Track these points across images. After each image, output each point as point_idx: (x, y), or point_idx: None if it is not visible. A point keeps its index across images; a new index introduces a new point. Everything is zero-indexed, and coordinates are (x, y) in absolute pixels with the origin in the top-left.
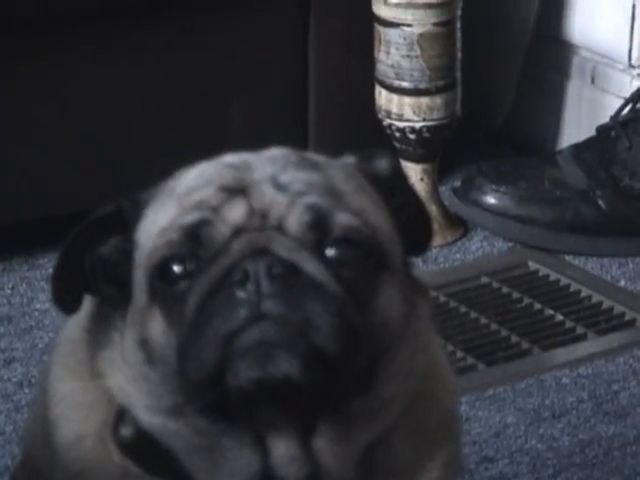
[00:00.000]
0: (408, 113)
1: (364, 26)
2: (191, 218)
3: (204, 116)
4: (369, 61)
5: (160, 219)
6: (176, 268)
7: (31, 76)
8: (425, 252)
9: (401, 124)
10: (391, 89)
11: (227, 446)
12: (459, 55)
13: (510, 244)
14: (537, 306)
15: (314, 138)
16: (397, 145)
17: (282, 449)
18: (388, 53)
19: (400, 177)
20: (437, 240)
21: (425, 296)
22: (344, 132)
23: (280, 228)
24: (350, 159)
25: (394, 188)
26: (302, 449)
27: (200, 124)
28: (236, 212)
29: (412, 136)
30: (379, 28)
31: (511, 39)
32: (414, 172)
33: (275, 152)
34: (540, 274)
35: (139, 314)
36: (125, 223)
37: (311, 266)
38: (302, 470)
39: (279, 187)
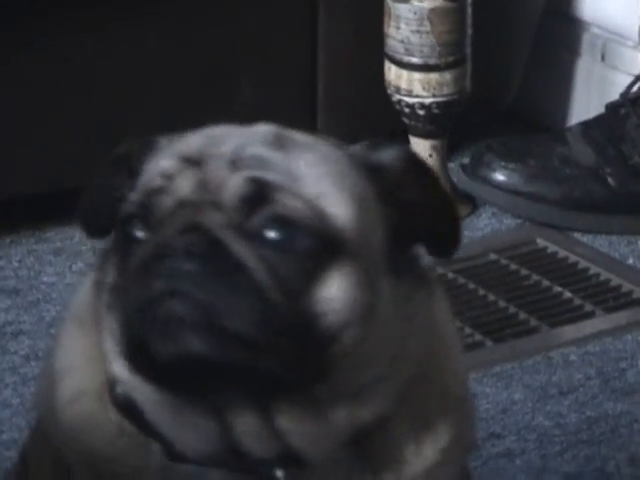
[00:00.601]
0: (417, 89)
1: (374, 1)
2: (152, 184)
3: (212, 94)
4: (379, 36)
5: (146, 173)
6: (132, 228)
7: (45, 50)
8: (451, 253)
9: (410, 100)
10: (401, 65)
11: (188, 413)
12: (469, 31)
13: (519, 221)
14: (545, 283)
15: (323, 114)
16: (406, 121)
17: (242, 425)
18: (398, 28)
19: (412, 171)
20: None
21: (426, 284)
22: (353, 107)
23: (219, 204)
24: (356, 147)
25: (400, 180)
26: (265, 427)
27: (209, 102)
28: (185, 184)
29: (421, 112)
30: (389, 3)
31: (521, 16)
32: (423, 148)
33: (259, 128)
34: (549, 251)
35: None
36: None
37: (237, 246)
38: (269, 448)
39: (233, 162)
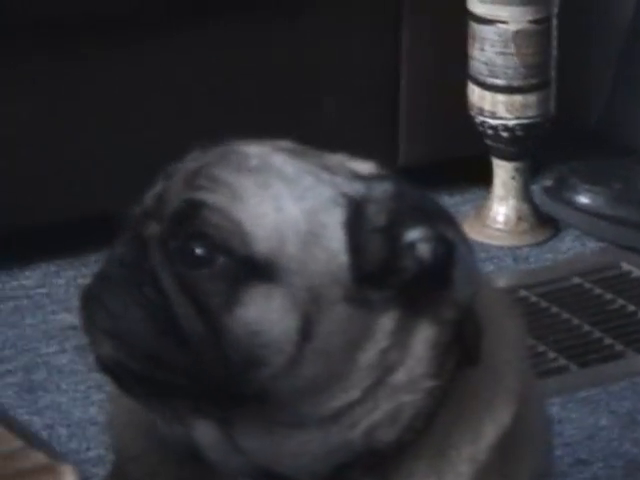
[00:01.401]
0: (501, 111)
1: (457, 22)
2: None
3: (296, 114)
4: (462, 58)
5: None
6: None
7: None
8: (463, 298)
9: (494, 122)
10: (484, 86)
11: (162, 414)
12: (554, 53)
13: (602, 244)
14: (631, 308)
15: (405, 134)
16: (489, 143)
17: (201, 436)
18: (482, 50)
19: (401, 210)
20: (528, 239)
21: (431, 318)
22: (435, 129)
23: (162, 217)
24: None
25: (385, 218)
26: (226, 442)
27: (292, 120)
28: (150, 196)
29: (505, 134)
30: (473, 25)
31: (605, 37)
32: (505, 170)
33: (249, 149)
34: (633, 275)
35: None
36: None
37: (157, 258)
38: (235, 463)
39: (189, 179)
